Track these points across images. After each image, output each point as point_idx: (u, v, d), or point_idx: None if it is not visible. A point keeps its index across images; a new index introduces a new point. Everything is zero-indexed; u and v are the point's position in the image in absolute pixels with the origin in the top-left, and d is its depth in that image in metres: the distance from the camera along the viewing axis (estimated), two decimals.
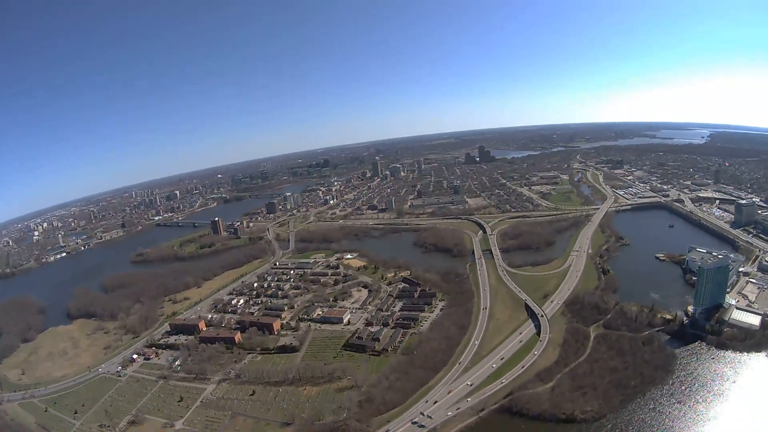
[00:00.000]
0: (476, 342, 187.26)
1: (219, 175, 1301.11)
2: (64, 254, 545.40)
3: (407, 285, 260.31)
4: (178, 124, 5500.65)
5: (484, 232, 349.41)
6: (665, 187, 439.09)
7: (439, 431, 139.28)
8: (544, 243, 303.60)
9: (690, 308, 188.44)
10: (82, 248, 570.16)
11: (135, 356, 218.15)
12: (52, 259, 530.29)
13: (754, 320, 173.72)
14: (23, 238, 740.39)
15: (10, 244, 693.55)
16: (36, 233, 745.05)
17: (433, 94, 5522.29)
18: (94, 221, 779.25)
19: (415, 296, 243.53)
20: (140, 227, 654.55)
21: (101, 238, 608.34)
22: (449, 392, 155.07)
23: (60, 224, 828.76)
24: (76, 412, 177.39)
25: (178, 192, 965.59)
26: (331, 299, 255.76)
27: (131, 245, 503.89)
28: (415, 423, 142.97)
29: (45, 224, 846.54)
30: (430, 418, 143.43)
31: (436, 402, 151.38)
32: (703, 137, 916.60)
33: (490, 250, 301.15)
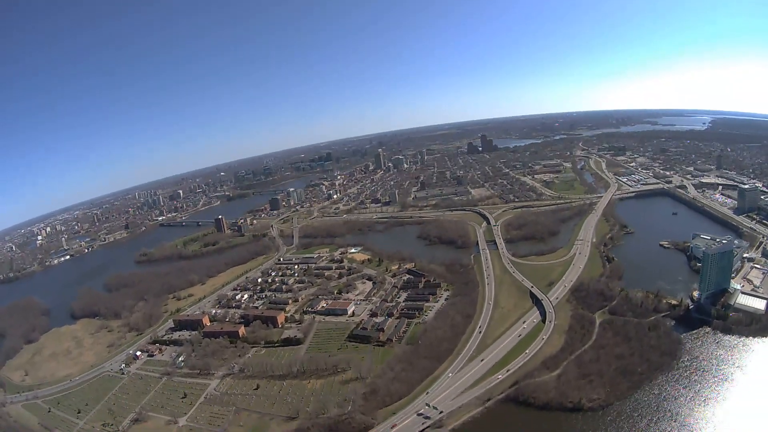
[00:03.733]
0: (481, 330, 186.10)
1: (222, 173, 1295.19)
2: (67, 257, 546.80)
3: (412, 276, 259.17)
4: (179, 123, 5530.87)
5: (488, 223, 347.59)
6: (668, 173, 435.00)
7: (445, 422, 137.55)
8: (548, 233, 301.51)
9: (695, 293, 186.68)
10: (86, 250, 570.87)
11: (138, 353, 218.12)
12: (55, 262, 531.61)
13: (760, 304, 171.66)
14: (27, 243, 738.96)
15: (14, 249, 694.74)
16: (39, 238, 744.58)
17: (435, 85, 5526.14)
18: (97, 224, 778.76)
19: (420, 287, 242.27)
20: (144, 228, 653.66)
21: (105, 240, 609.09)
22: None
23: (63, 228, 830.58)
24: (79, 412, 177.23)
25: (181, 191, 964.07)
26: (335, 292, 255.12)
27: (135, 246, 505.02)
28: (421, 414, 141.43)
29: (48, 228, 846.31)
30: (436, 409, 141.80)
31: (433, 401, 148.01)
32: (704, 123, 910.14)
33: (495, 241, 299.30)
